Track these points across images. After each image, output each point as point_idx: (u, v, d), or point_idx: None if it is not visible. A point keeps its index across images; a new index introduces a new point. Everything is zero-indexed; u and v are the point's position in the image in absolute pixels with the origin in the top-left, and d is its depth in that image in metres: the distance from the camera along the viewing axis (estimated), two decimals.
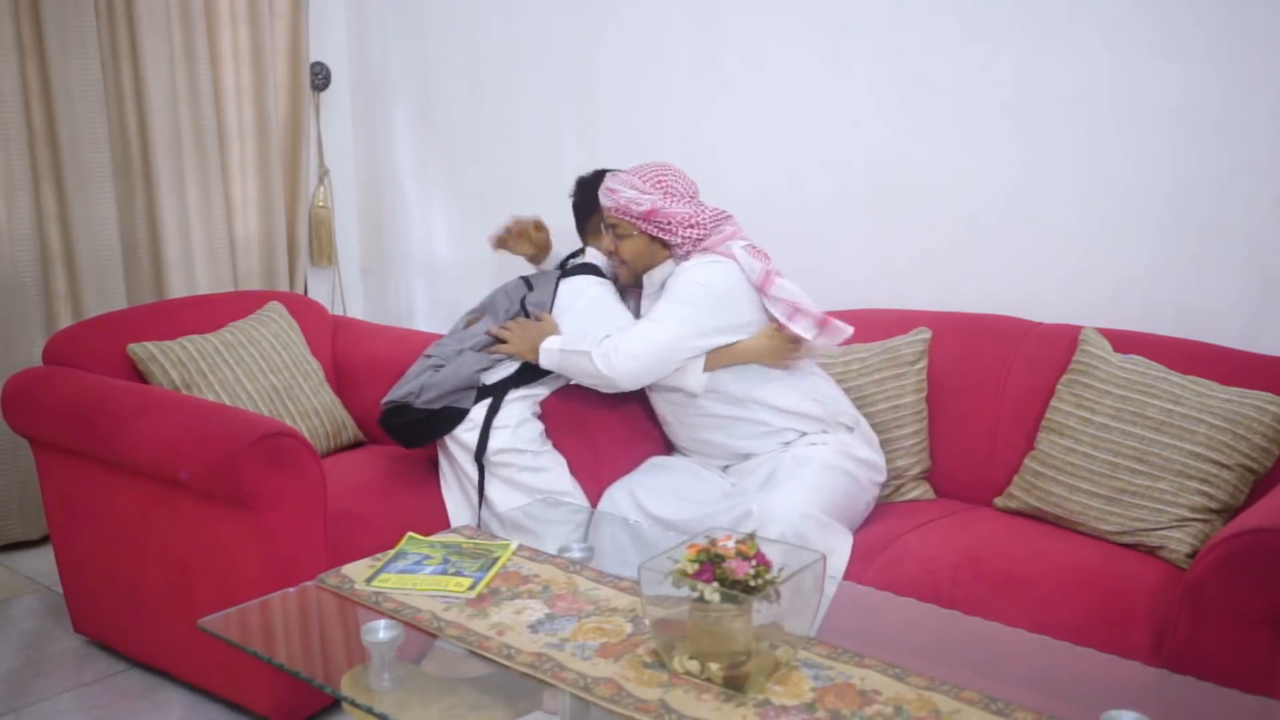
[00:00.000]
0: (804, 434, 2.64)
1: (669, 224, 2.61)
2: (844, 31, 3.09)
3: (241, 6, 3.93)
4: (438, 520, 2.72)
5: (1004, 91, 2.86)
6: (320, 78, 4.21)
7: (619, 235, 2.69)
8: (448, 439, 2.73)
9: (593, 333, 2.64)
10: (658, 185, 2.63)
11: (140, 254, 3.77)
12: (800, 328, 2.56)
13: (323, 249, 4.29)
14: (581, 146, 3.68)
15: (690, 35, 3.40)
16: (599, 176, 2.83)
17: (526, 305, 2.83)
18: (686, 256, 2.66)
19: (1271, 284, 2.58)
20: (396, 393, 2.73)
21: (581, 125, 3.70)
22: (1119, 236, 2.75)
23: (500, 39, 3.85)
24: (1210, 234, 2.63)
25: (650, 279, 2.75)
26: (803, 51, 3.18)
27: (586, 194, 2.89)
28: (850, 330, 2.59)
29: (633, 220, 2.64)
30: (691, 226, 2.62)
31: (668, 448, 2.86)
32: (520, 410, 2.73)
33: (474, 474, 2.71)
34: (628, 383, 2.61)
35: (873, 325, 2.89)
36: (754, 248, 2.65)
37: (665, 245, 2.66)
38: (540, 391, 2.78)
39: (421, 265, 4.32)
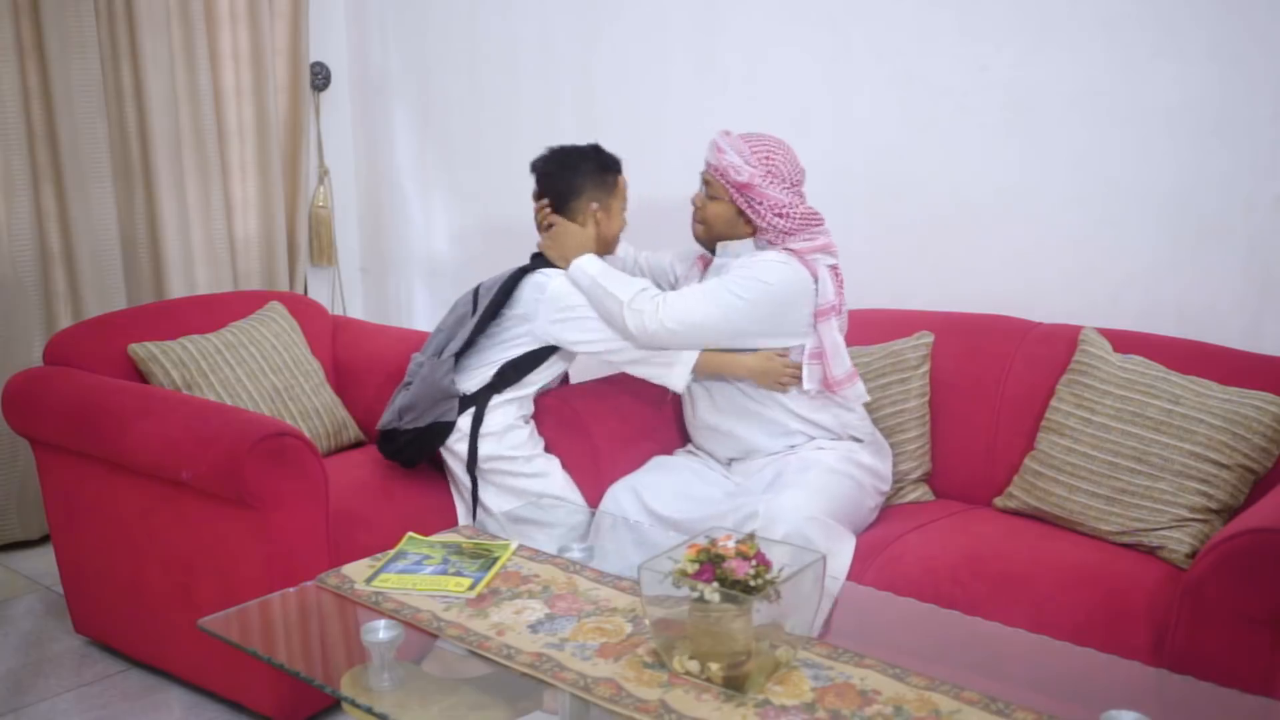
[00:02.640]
0: (813, 439, 2.65)
1: (759, 204, 2.55)
2: (843, 31, 3.09)
3: (241, 6, 3.93)
4: (439, 519, 2.72)
5: (1003, 91, 2.86)
6: (320, 78, 4.22)
7: (710, 195, 2.64)
8: (442, 450, 2.74)
9: (631, 282, 2.59)
10: (764, 162, 2.56)
11: (140, 254, 3.78)
12: (806, 373, 2.58)
13: (323, 249, 4.29)
14: None
15: (690, 35, 3.40)
16: (576, 148, 2.74)
17: (479, 293, 2.76)
18: (770, 245, 2.61)
19: (1271, 284, 2.58)
20: (384, 420, 2.75)
21: (581, 125, 3.69)
22: (1119, 236, 2.75)
23: (500, 39, 3.85)
24: (1210, 234, 2.63)
25: (726, 248, 2.68)
26: (802, 52, 3.18)
27: (564, 164, 2.73)
28: (864, 399, 2.64)
29: (726, 185, 2.58)
30: (780, 215, 2.56)
31: (668, 447, 2.86)
32: (505, 416, 2.71)
33: (468, 483, 2.72)
34: (649, 345, 2.58)
35: (872, 326, 2.89)
36: (837, 272, 2.62)
37: (749, 223, 2.61)
38: (525, 394, 2.75)
39: (421, 265, 4.32)
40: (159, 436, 2.50)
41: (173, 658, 2.69)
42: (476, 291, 2.78)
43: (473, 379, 2.71)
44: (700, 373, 2.62)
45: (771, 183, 2.55)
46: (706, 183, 2.64)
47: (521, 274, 2.71)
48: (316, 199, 4.27)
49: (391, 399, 2.78)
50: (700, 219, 2.68)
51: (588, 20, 3.62)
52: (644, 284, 2.61)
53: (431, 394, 2.66)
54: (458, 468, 2.73)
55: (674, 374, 2.61)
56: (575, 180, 2.71)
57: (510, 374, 2.71)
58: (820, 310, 2.58)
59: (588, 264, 2.65)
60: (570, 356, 2.76)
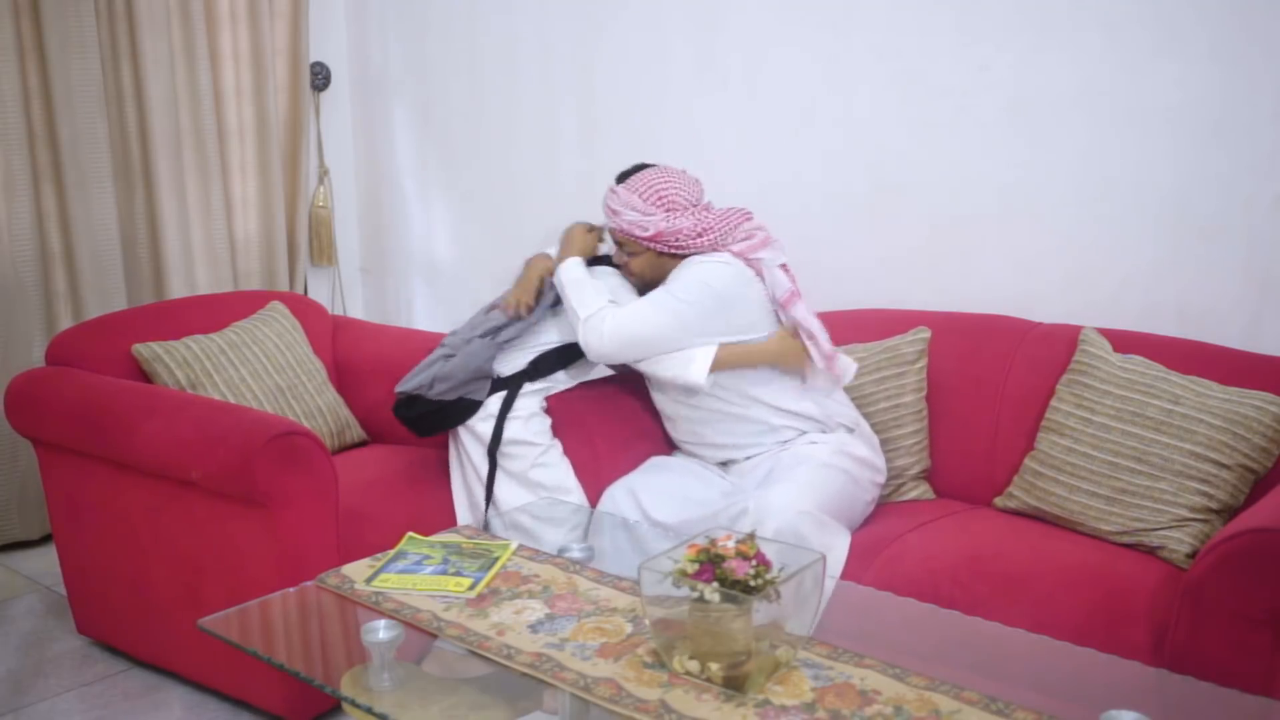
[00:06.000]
0: (803, 433, 2.64)
1: (677, 239, 2.60)
2: (844, 31, 3.09)
3: (241, 6, 3.93)
4: (444, 519, 2.72)
5: (1004, 91, 2.86)
6: (320, 78, 4.22)
7: (628, 252, 2.68)
8: (461, 430, 2.73)
9: (596, 298, 2.62)
10: (660, 202, 2.59)
11: (140, 254, 3.78)
12: (812, 349, 2.58)
13: (323, 249, 4.29)
14: (581, 146, 3.68)
15: (690, 35, 3.40)
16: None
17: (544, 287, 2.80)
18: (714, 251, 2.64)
19: (1271, 284, 2.58)
20: (409, 383, 2.71)
21: (581, 125, 3.70)
22: (1119, 236, 2.75)
23: (500, 39, 3.85)
24: (1210, 234, 2.63)
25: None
26: (802, 51, 3.18)
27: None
28: (854, 370, 2.63)
29: (639, 240, 2.63)
30: (701, 235, 2.59)
31: (668, 448, 2.86)
32: (532, 403, 2.72)
33: (483, 467, 2.70)
34: (602, 360, 2.66)
35: (872, 325, 2.89)
36: (787, 270, 2.62)
37: (677, 255, 2.64)
38: (553, 386, 2.77)
39: (421, 265, 4.32)
40: (167, 436, 2.50)
41: (177, 658, 2.69)
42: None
43: (508, 363, 2.73)
44: (719, 368, 2.60)
45: (677, 216, 2.59)
46: (619, 244, 2.69)
47: None
48: (316, 199, 4.27)
49: (427, 363, 2.73)
50: (631, 275, 2.72)
51: (588, 19, 3.62)
52: (604, 302, 2.62)
53: (472, 370, 2.67)
54: (475, 451, 2.72)
55: (691, 371, 2.60)
56: None
57: (544, 365, 2.74)
58: (782, 300, 2.59)
59: (568, 269, 2.69)
60: None
